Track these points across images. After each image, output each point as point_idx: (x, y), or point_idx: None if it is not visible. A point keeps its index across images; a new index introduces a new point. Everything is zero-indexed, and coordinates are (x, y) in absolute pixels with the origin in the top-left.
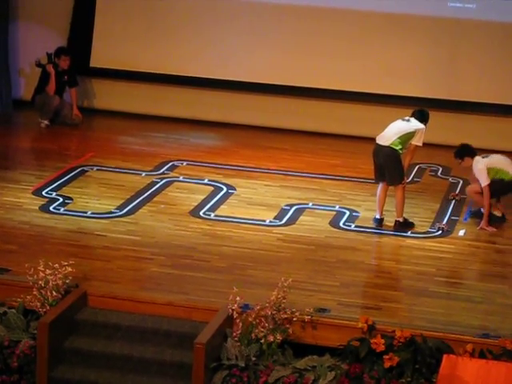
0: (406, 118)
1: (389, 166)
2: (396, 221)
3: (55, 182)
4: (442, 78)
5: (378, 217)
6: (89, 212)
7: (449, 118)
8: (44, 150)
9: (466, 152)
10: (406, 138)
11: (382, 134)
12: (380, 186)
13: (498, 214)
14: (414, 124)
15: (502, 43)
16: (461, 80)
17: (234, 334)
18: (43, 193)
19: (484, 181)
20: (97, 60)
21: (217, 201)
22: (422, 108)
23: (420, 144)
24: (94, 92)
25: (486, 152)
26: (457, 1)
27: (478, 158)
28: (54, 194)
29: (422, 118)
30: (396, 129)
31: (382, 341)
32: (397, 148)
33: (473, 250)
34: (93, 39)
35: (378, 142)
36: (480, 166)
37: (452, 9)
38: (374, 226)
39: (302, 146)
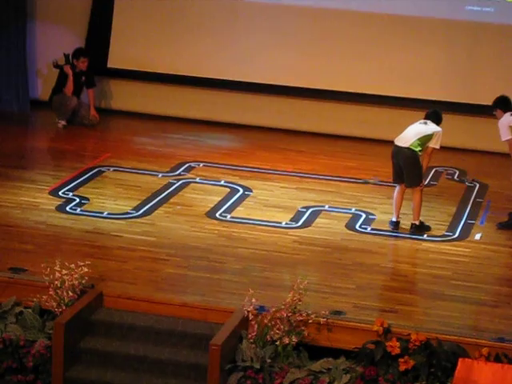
0: (423, 121)
1: (408, 168)
2: (412, 224)
3: (72, 183)
4: (459, 81)
5: (394, 219)
6: (105, 212)
7: (466, 122)
8: (61, 150)
9: (500, 103)
10: (425, 139)
11: (400, 135)
12: (397, 189)
13: None
14: (432, 127)
15: None
16: (478, 83)
17: (250, 335)
18: (60, 193)
19: (503, 136)
20: (114, 61)
21: (233, 202)
22: (434, 109)
23: (437, 147)
24: (111, 93)
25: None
26: (475, 4)
27: (508, 114)
28: (71, 194)
29: (437, 118)
30: (415, 130)
31: (398, 344)
32: (416, 149)
33: (489, 253)
34: (110, 40)
35: (396, 143)
36: (503, 121)
37: (470, 12)
38: (390, 228)
39: (318, 148)
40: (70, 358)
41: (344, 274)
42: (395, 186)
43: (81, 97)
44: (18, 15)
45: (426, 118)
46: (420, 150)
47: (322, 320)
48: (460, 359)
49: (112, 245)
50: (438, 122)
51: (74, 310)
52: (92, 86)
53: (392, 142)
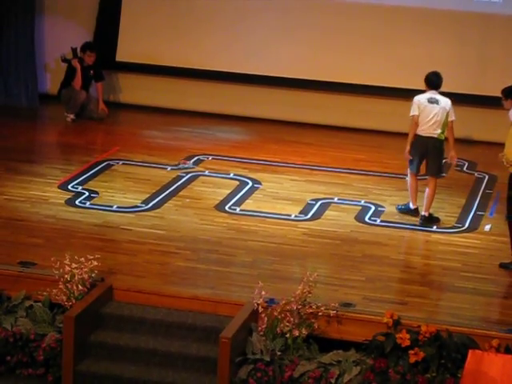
0: (432, 96)
1: (435, 158)
2: (422, 215)
3: (81, 176)
4: (468, 73)
5: (412, 207)
6: (114, 206)
7: (475, 113)
8: (70, 144)
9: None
10: (445, 122)
11: (423, 126)
12: (411, 178)
13: None
14: (444, 103)
15: None
16: (487, 75)
17: (260, 328)
18: (69, 187)
19: None
20: (123, 54)
21: (242, 195)
22: (434, 72)
23: (454, 118)
24: (119, 86)
25: None
26: None
27: None
28: (80, 188)
29: (440, 82)
30: (438, 118)
31: (408, 336)
32: (442, 138)
33: (498, 245)
34: (119, 34)
35: (421, 134)
36: None
37: (478, 3)
38: (411, 216)
39: (327, 140)
40: (80, 351)
41: (353, 266)
42: (405, 178)
43: (89, 90)
44: (26, 10)
45: (432, 86)
46: (443, 135)
47: (332, 312)
48: (470, 351)
49: (121, 238)
50: (440, 85)
51: (84, 304)
52: (100, 79)
53: (401, 134)
